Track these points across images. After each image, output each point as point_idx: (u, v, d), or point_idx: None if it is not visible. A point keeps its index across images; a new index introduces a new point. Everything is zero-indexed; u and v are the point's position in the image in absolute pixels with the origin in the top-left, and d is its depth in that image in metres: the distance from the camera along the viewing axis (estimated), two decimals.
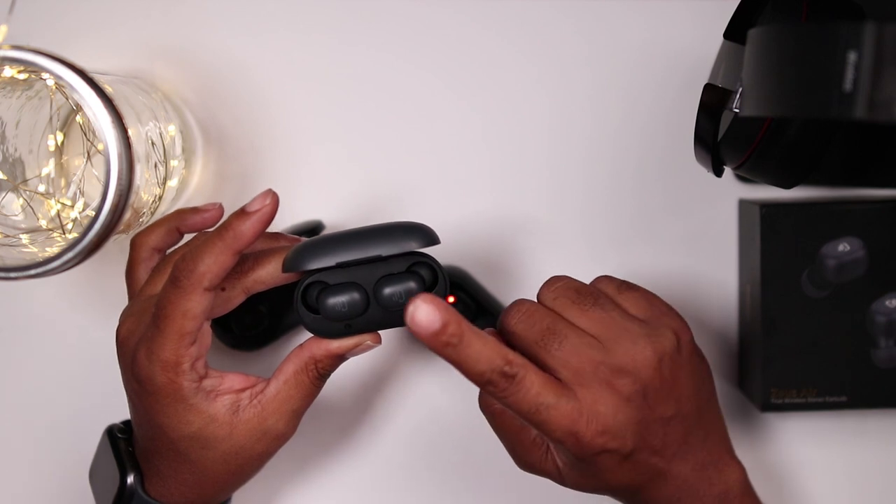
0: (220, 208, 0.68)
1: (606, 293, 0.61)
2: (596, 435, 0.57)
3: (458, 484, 0.76)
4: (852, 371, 0.71)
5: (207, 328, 0.61)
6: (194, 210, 0.68)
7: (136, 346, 0.61)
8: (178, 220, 0.68)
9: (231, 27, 0.75)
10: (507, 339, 0.60)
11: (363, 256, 0.60)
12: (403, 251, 0.60)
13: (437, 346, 0.56)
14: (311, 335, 0.62)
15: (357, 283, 0.60)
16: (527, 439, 0.62)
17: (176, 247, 0.66)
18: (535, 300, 0.61)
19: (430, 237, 0.61)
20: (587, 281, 0.63)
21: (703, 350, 0.76)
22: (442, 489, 0.77)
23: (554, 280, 0.62)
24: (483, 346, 0.57)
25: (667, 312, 0.61)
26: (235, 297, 0.63)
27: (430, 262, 0.61)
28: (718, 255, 0.76)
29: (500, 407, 0.61)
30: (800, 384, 0.71)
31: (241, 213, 0.60)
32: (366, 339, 0.61)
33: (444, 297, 0.61)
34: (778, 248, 0.71)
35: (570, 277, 0.62)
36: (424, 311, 0.55)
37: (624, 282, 0.62)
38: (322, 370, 0.62)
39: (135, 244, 0.68)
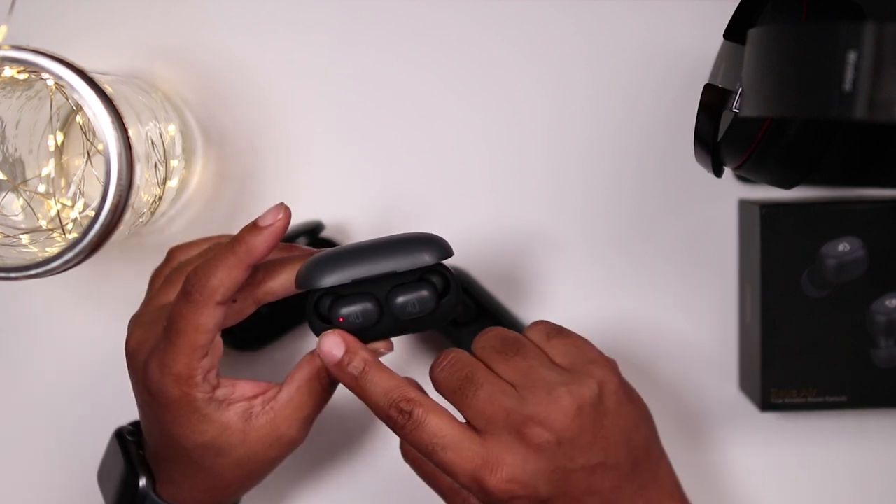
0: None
1: (534, 341, 0.61)
2: (501, 482, 0.57)
3: None
4: (852, 371, 0.71)
5: (219, 339, 0.61)
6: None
7: (147, 358, 0.61)
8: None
9: (231, 27, 0.75)
10: (436, 388, 0.61)
11: (378, 273, 0.60)
12: (418, 266, 0.60)
13: (340, 376, 0.60)
14: None
15: (370, 293, 0.60)
16: (444, 485, 0.64)
17: (191, 257, 0.66)
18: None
19: (444, 250, 0.61)
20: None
21: (704, 351, 0.76)
22: None
23: (486, 331, 0.62)
24: (383, 380, 0.59)
25: (594, 360, 0.61)
26: (246, 308, 0.63)
27: (442, 270, 0.61)
28: (718, 255, 0.76)
29: (413, 454, 0.63)
30: (800, 384, 0.71)
31: (254, 227, 0.59)
32: (379, 346, 0.62)
33: (457, 304, 0.61)
34: (778, 248, 0.71)
35: (502, 329, 0.62)
36: (330, 342, 0.60)
37: (555, 328, 0.62)
38: (334, 377, 0.62)
39: (171, 257, 0.67)
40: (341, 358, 0.60)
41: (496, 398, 0.58)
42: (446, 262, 0.61)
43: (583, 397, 0.58)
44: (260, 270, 0.62)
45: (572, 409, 0.58)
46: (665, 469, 0.62)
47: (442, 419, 0.58)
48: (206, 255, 0.63)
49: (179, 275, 0.64)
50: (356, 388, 0.60)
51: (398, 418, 0.59)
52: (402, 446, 0.65)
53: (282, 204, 0.60)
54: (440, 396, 0.61)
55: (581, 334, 0.63)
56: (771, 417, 0.76)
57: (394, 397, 0.59)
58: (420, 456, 0.60)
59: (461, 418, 0.60)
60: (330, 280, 0.59)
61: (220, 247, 0.60)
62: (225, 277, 0.59)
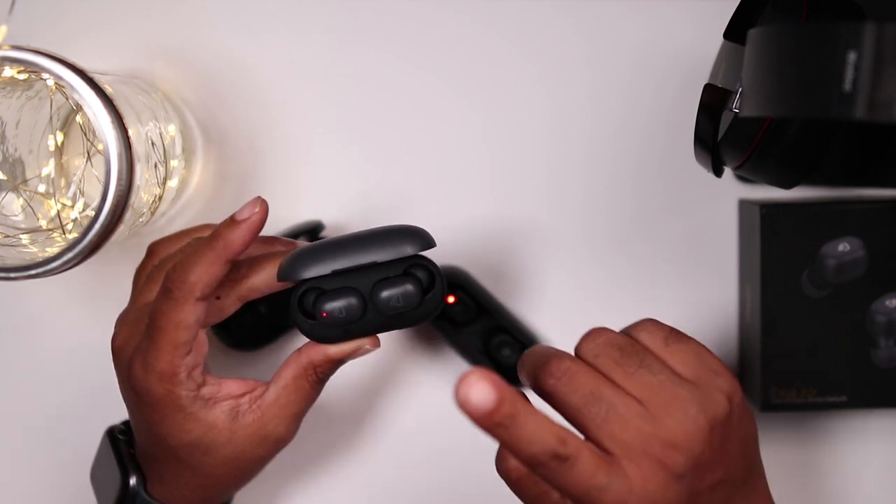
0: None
1: (651, 350, 0.56)
2: None
3: (459, 485, 0.76)
4: (852, 371, 0.71)
5: (203, 336, 0.61)
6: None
7: (131, 357, 0.61)
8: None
9: (231, 27, 0.75)
10: (545, 399, 0.56)
11: (359, 263, 0.60)
12: (399, 256, 0.60)
13: (488, 426, 0.52)
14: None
15: (354, 288, 0.60)
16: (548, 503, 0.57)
17: (172, 253, 0.66)
18: (573, 354, 0.56)
19: (425, 241, 0.60)
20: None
21: None
22: (443, 490, 0.77)
23: (595, 334, 0.56)
24: (537, 426, 0.52)
25: (717, 371, 0.56)
26: (230, 304, 0.62)
27: (426, 264, 0.61)
28: (718, 255, 0.76)
29: (518, 473, 0.56)
30: (800, 384, 0.71)
31: (231, 221, 0.59)
32: (364, 343, 0.61)
33: (442, 299, 0.61)
34: (778, 248, 0.71)
35: (611, 331, 0.57)
36: (479, 391, 0.50)
37: (671, 332, 0.57)
38: (321, 375, 0.62)
39: (152, 253, 0.67)
40: (494, 409, 0.51)
41: (630, 421, 0.53)
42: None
43: (716, 416, 0.54)
44: (243, 266, 0.62)
45: (706, 429, 0.54)
46: (762, 476, 0.60)
47: (594, 458, 0.53)
48: (186, 251, 0.62)
49: (161, 272, 0.64)
50: (505, 436, 0.52)
51: (552, 464, 0.52)
52: (500, 462, 0.57)
53: (258, 197, 0.60)
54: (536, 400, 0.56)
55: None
56: (771, 417, 0.76)
57: (552, 445, 0.52)
58: (526, 476, 0.55)
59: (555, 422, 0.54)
60: (310, 271, 0.59)
61: (199, 242, 0.60)
62: (203, 273, 0.59)
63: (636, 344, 0.56)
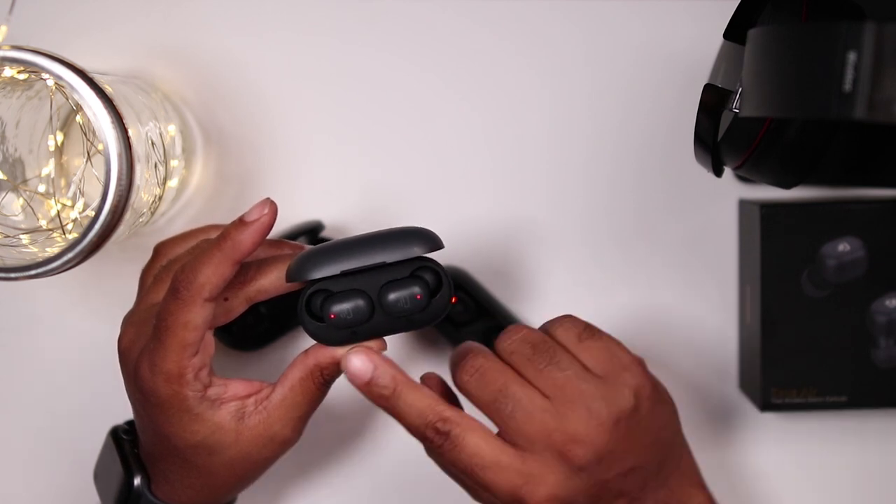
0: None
1: (565, 345, 0.60)
2: (543, 501, 0.57)
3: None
4: (852, 371, 0.71)
5: (210, 337, 0.61)
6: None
7: (138, 357, 0.61)
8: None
9: (231, 27, 0.75)
10: (462, 394, 0.60)
11: (367, 264, 0.60)
12: (407, 257, 0.60)
13: (370, 395, 0.59)
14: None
15: (361, 290, 0.60)
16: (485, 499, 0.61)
17: (180, 254, 0.66)
18: (491, 350, 0.60)
19: (433, 242, 0.60)
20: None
21: (704, 351, 0.76)
22: (443, 490, 0.77)
23: (511, 331, 0.60)
24: (417, 400, 0.58)
25: (627, 366, 0.60)
26: (238, 306, 0.62)
27: (433, 266, 0.61)
28: (718, 255, 0.76)
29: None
30: (800, 384, 0.71)
31: (240, 222, 0.59)
32: (371, 345, 0.61)
33: (448, 301, 0.61)
34: (778, 248, 0.71)
35: (528, 329, 0.60)
36: (357, 361, 0.59)
37: (586, 328, 0.61)
38: (327, 377, 0.62)
39: (158, 253, 0.67)
40: (371, 377, 0.59)
41: (535, 416, 0.58)
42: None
43: (621, 410, 0.58)
44: (251, 268, 0.62)
45: (611, 423, 0.58)
46: (686, 458, 0.63)
47: (480, 438, 0.58)
48: (195, 252, 0.62)
49: (168, 273, 0.64)
50: (388, 407, 0.59)
51: (435, 439, 0.58)
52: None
53: (268, 199, 0.60)
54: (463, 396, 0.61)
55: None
56: (771, 417, 0.76)
57: (430, 418, 0.58)
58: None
59: (491, 425, 0.59)
60: (320, 272, 0.59)
61: (208, 243, 0.60)
62: (212, 274, 0.59)
63: (549, 341, 0.60)
